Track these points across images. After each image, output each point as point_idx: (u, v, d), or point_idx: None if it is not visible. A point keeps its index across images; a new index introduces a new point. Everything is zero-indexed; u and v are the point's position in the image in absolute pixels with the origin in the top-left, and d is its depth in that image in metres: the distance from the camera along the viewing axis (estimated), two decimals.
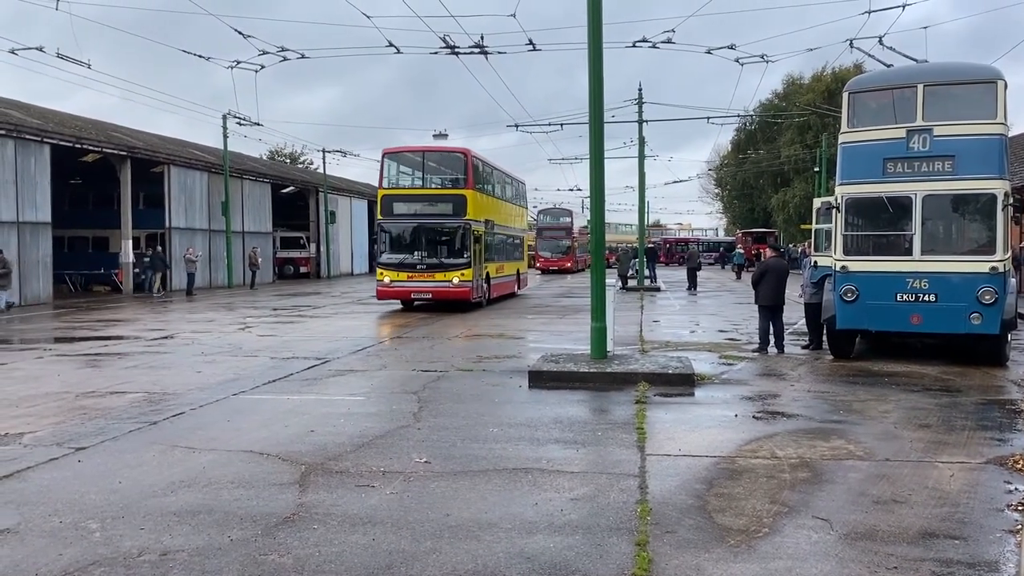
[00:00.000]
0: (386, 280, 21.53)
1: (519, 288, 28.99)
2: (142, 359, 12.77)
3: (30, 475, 6.24)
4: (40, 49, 20.78)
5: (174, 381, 10.57)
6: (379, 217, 22.01)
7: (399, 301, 22.38)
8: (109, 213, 32.58)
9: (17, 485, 5.98)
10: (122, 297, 28.91)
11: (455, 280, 21.09)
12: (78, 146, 27.84)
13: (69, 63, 21.51)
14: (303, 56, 19.74)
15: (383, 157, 22.37)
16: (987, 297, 10.88)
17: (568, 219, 52.30)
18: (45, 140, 25.86)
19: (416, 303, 22.23)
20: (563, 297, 28.00)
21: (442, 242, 21.72)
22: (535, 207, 53.60)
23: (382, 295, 21.78)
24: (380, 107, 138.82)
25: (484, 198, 23.33)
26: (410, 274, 21.37)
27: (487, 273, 23.49)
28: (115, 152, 29.66)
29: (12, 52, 20.81)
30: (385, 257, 21.81)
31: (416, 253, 21.51)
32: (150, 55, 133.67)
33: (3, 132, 24.10)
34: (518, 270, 28.77)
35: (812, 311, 13.27)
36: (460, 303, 21.53)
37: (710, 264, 59.53)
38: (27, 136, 25.10)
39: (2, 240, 23.92)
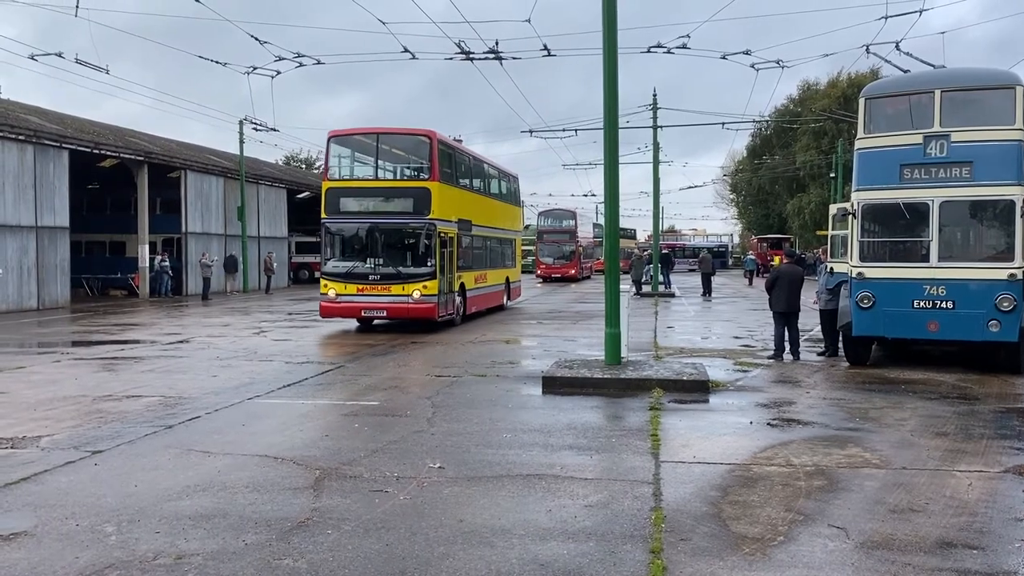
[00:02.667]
0: (331, 293, 17.55)
1: (509, 300, 24.96)
2: (158, 363, 12.86)
3: (47, 478, 6.29)
4: (59, 55, 21.01)
5: (190, 385, 10.64)
6: (323, 215, 18.04)
7: (355, 319, 18.58)
8: (126, 218, 32.83)
9: (34, 488, 6.03)
10: (139, 301, 29.13)
11: (415, 294, 17.12)
12: (96, 151, 28.10)
13: (90, 69, 21.73)
14: (319, 62, 19.87)
15: (328, 141, 18.44)
16: (1005, 304, 10.78)
17: (571, 221, 47.62)
18: (63, 145, 26.13)
19: (375, 321, 18.70)
20: (574, 303, 27.93)
21: (400, 247, 17.77)
22: (550, 208, 52.69)
23: (326, 312, 17.83)
24: (403, 114, 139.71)
25: (456, 192, 19.39)
26: (360, 286, 17.41)
27: (462, 284, 19.48)
28: (132, 157, 29.91)
29: (31, 58, 21.11)
30: (331, 265, 17.82)
31: (368, 260, 17.60)
32: (180, 63, 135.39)
33: (22, 138, 24.38)
34: (507, 279, 24.76)
35: (828, 317, 13.19)
36: (423, 322, 17.82)
37: (692, 271, 51.72)
38: (46, 142, 25.36)
39: (21, 244, 24.20)
